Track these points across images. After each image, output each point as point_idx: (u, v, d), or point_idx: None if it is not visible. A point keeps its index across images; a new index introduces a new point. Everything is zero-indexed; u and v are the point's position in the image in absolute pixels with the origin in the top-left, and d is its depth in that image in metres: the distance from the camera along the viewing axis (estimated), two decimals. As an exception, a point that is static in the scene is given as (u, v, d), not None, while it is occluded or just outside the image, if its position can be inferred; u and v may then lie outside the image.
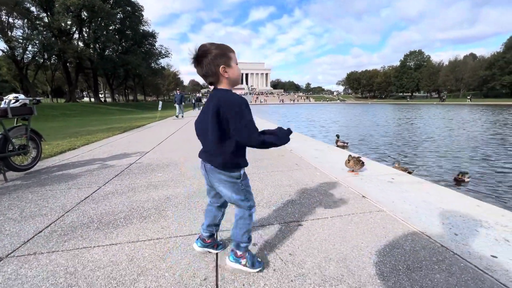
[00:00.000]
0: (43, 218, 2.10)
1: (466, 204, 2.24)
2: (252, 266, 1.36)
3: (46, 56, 34.65)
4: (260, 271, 1.38)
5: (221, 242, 1.62)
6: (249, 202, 1.34)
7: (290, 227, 1.88)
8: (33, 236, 1.81)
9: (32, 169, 3.67)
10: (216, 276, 1.36)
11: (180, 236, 1.77)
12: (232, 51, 1.25)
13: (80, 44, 36.91)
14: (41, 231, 1.88)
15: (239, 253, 1.37)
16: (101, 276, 1.37)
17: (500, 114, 21.05)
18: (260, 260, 1.43)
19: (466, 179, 4.24)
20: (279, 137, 1.25)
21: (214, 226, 1.52)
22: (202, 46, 1.23)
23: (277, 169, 3.48)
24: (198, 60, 1.22)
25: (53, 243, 1.71)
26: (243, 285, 1.29)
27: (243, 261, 1.36)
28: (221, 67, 1.21)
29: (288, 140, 1.28)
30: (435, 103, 55.39)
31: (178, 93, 14.70)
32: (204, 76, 1.25)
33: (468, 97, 57.13)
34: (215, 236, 1.60)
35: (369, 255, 1.52)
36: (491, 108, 30.30)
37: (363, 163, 3.26)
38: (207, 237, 1.53)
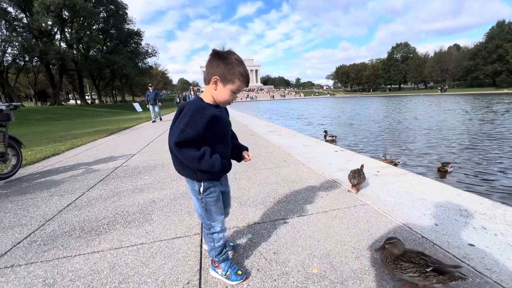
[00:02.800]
0: (22, 228, 2.03)
1: (447, 194, 2.30)
2: (228, 278, 1.31)
3: (27, 58, 33.43)
4: (240, 283, 1.30)
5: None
6: (209, 222, 1.28)
7: (275, 225, 1.88)
8: (11, 248, 1.75)
9: (12, 177, 3.55)
10: (200, 279, 1.35)
11: (164, 240, 1.75)
12: (240, 82, 1.16)
13: (63, 44, 35.75)
14: (19, 242, 1.82)
15: (215, 263, 1.36)
16: (81, 286, 1.34)
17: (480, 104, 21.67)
18: (240, 271, 1.32)
19: (449, 169, 4.36)
20: (202, 161, 1.11)
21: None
22: (229, 51, 1.16)
23: (265, 166, 3.48)
24: (215, 55, 1.15)
25: (32, 254, 1.66)
26: (226, 287, 1.28)
27: (219, 271, 1.34)
28: (214, 77, 1.14)
29: (210, 168, 1.12)
30: (421, 94, 56.59)
31: (151, 91, 11.06)
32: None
33: (439, 88, 59.33)
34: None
35: (352, 249, 1.54)
36: (459, 98, 31.16)
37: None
38: None
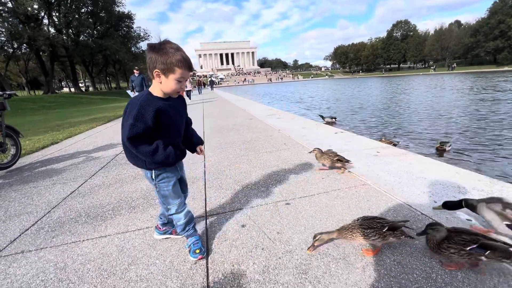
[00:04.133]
0: (28, 216, 2.06)
1: (446, 172, 2.33)
2: (189, 252, 1.42)
3: (15, 45, 32.32)
4: (199, 260, 1.38)
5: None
6: (165, 205, 1.38)
7: (278, 206, 1.92)
8: (20, 235, 1.79)
9: (13, 167, 3.55)
10: (206, 259, 1.40)
11: (169, 223, 1.78)
12: (181, 69, 1.15)
13: (51, 30, 34.48)
14: (27, 229, 1.86)
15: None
16: (91, 268, 1.38)
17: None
18: (198, 250, 1.38)
19: (447, 148, 4.40)
20: (152, 155, 1.20)
21: (165, 216, 1.54)
22: (164, 41, 1.16)
23: (265, 149, 3.50)
24: (149, 49, 1.15)
25: (41, 240, 1.70)
26: (233, 265, 1.33)
27: (186, 244, 1.46)
28: (154, 70, 1.15)
29: (161, 160, 1.22)
30: (423, 73, 55.86)
31: (137, 75, 9.13)
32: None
33: (432, 67, 59.17)
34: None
35: (354, 227, 1.58)
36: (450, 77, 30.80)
37: (342, 160, 2.45)
38: (161, 224, 1.58)
